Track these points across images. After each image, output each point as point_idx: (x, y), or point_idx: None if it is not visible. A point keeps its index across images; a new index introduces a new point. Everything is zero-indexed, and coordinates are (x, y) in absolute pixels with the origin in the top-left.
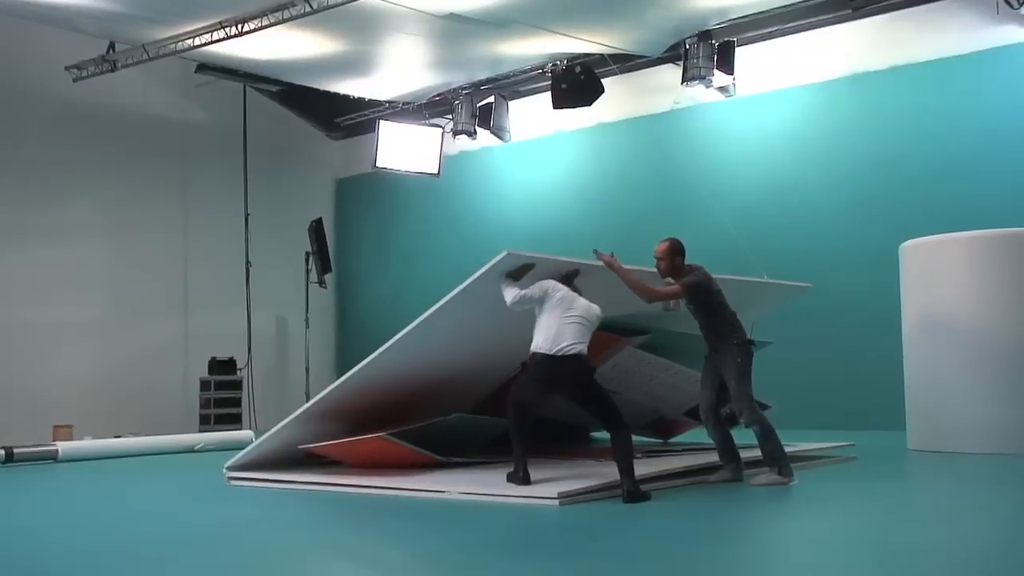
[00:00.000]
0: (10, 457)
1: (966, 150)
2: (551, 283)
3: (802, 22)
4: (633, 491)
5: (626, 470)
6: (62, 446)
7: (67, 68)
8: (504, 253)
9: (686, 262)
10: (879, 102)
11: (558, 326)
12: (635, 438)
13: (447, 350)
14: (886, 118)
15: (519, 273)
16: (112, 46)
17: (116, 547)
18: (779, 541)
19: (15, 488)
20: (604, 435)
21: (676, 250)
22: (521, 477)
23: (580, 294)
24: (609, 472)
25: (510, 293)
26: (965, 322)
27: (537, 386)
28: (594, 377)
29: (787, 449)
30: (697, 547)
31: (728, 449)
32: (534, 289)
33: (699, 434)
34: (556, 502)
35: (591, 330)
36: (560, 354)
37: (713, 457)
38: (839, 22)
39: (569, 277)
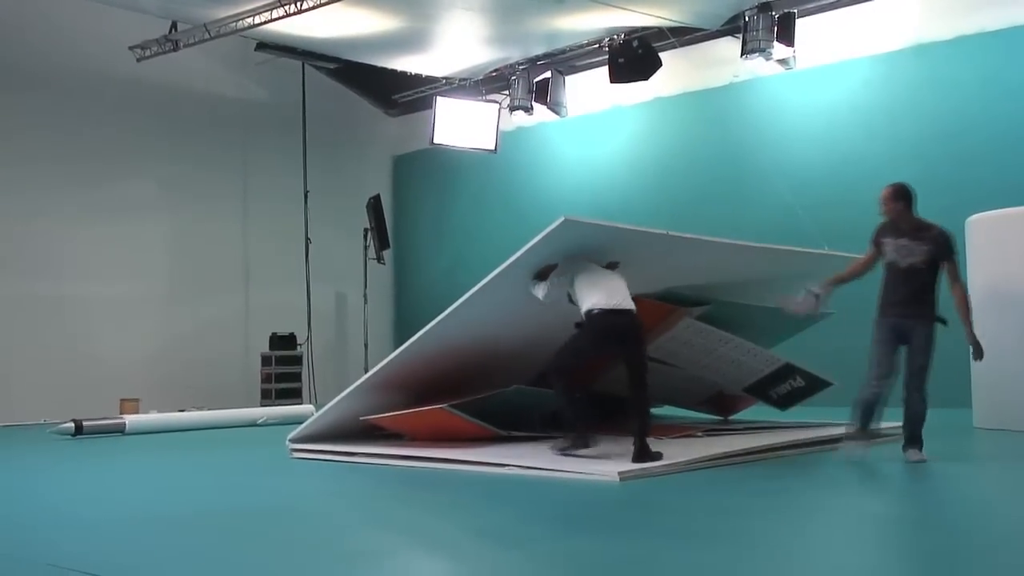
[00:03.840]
0: (80, 430)
1: None
2: (578, 260)
3: None
4: (643, 451)
5: (641, 431)
6: (129, 419)
7: (131, 48)
8: (562, 219)
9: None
10: (944, 73)
11: (606, 285)
12: (695, 415)
13: (505, 320)
14: (951, 90)
15: (544, 273)
16: (174, 26)
17: (181, 516)
18: (838, 519)
19: (85, 460)
20: (662, 412)
21: (898, 194)
22: (583, 442)
23: None
24: (670, 450)
25: (540, 289)
26: None
27: (592, 344)
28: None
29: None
30: (755, 523)
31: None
32: (562, 273)
33: (758, 411)
34: (616, 478)
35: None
36: (619, 307)
37: (773, 437)
38: None
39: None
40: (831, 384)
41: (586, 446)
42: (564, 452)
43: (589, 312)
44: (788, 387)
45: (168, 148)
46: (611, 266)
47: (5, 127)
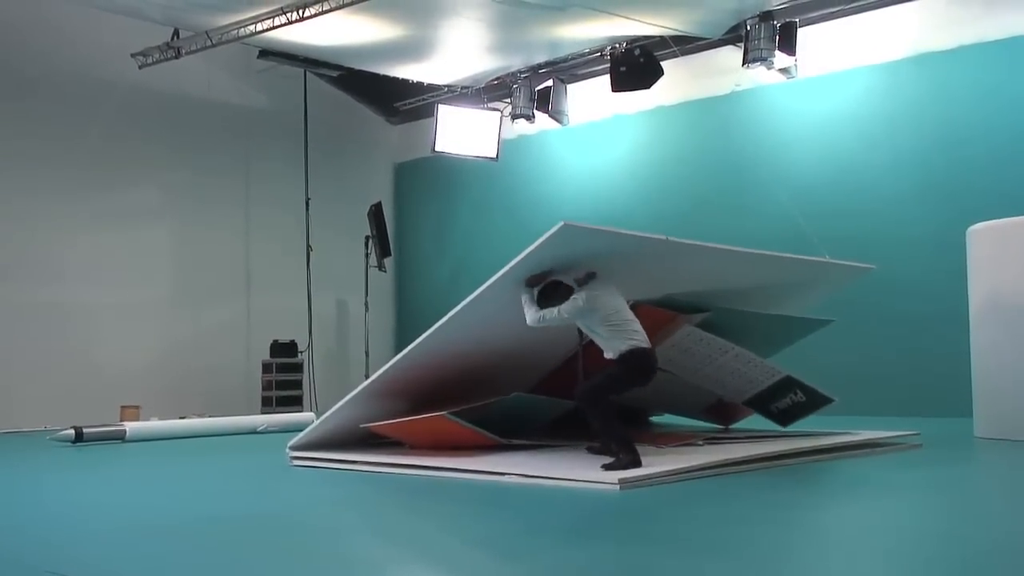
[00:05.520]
0: (80, 437)
1: None
2: (583, 295)
3: (866, 1)
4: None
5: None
6: (130, 426)
7: (133, 55)
8: (561, 224)
9: None
10: (945, 83)
11: (635, 324)
12: (695, 423)
13: (503, 327)
14: (952, 99)
15: (537, 280)
16: (177, 33)
17: (180, 523)
18: (837, 528)
19: (85, 467)
20: (662, 419)
21: None
22: (635, 461)
23: None
24: (671, 457)
25: (531, 312)
26: None
27: (629, 381)
28: None
29: (850, 438)
30: (756, 532)
31: None
32: (566, 311)
33: (759, 420)
34: (616, 487)
35: None
36: (651, 345)
37: (774, 445)
38: (904, 0)
39: (583, 281)
40: (832, 401)
41: (639, 465)
42: (608, 468)
43: (627, 353)
44: (789, 401)
45: (169, 155)
46: (589, 276)
47: (6, 133)
